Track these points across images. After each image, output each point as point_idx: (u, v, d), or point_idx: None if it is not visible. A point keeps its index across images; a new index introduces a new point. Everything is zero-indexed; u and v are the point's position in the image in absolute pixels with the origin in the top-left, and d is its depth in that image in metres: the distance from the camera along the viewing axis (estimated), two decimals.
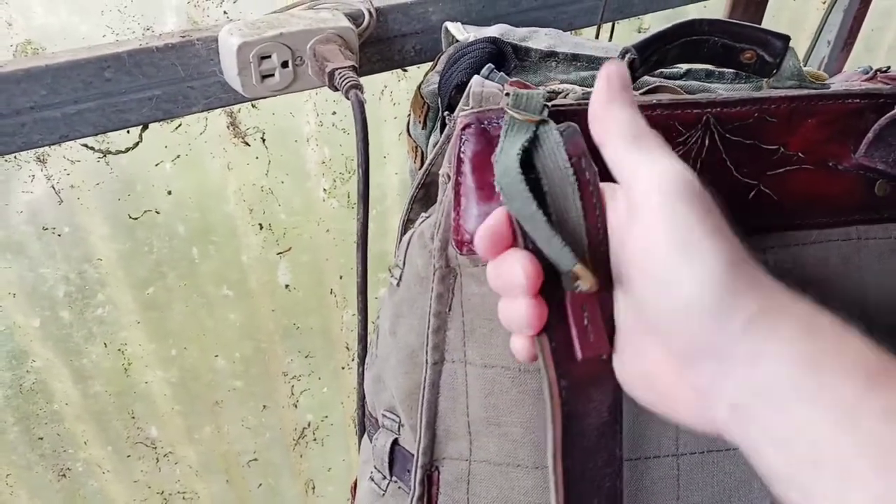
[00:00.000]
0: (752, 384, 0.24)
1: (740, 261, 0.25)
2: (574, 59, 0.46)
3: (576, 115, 0.34)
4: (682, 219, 0.25)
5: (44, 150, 0.62)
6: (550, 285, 0.29)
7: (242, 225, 0.75)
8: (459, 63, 0.45)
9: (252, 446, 0.95)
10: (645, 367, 0.28)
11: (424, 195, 0.46)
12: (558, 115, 0.33)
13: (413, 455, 0.40)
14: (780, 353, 0.24)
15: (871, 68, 0.42)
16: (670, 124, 0.35)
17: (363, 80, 0.47)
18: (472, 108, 0.37)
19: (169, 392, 0.84)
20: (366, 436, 0.51)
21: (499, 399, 0.38)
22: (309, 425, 0.98)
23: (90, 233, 0.68)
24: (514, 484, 0.38)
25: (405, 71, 0.73)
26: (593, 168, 0.30)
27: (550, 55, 0.46)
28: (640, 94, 0.40)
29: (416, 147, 0.52)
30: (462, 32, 0.52)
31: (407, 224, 0.47)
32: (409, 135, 0.52)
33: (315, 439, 1.00)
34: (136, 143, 0.64)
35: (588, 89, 0.38)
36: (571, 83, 0.44)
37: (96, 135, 0.48)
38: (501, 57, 0.45)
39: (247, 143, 0.70)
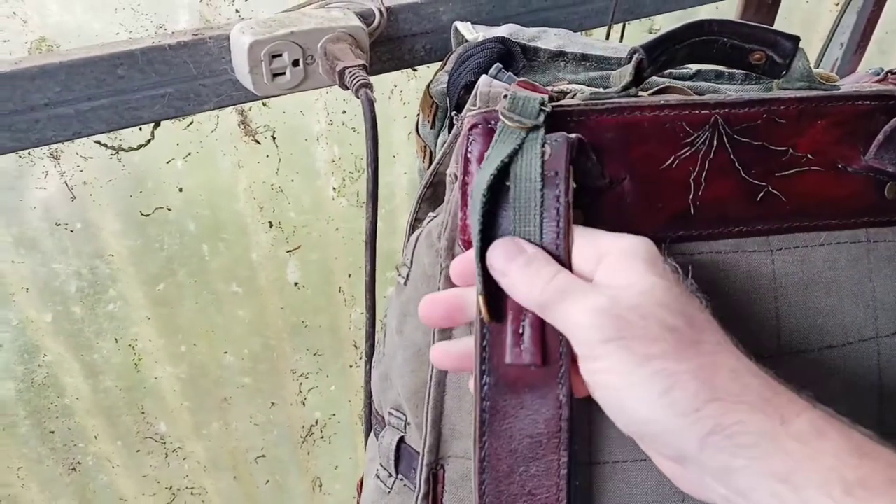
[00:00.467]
0: (733, 489, 0.25)
1: (692, 375, 0.26)
2: (583, 59, 0.46)
3: (581, 116, 0.34)
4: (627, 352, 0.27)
5: (57, 146, 0.62)
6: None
7: (252, 223, 0.76)
8: (468, 63, 0.45)
9: (260, 443, 0.95)
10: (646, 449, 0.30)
11: (432, 194, 0.46)
12: (563, 115, 0.33)
13: (419, 453, 0.40)
14: (748, 468, 0.24)
15: (883, 70, 0.42)
16: (678, 125, 0.35)
17: (373, 79, 0.47)
18: (479, 107, 0.37)
19: (178, 388, 0.85)
20: (372, 434, 0.51)
21: None
22: (317, 423, 0.98)
23: (102, 229, 0.69)
24: None
25: (415, 70, 0.73)
26: (569, 186, 0.30)
27: (559, 55, 0.46)
28: (649, 94, 0.40)
29: (425, 146, 0.52)
30: (472, 32, 0.52)
31: (415, 223, 0.47)
32: (418, 134, 0.52)
33: (323, 437, 1.00)
34: (148, 141, 0.64)
35: (596, 89, 0.38)
36: (580, 83, 0.44)
37: (109, 132, 0.48)
38: (510, 57, 0.45)
39: (257, 142, 0.70)
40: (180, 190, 0.70)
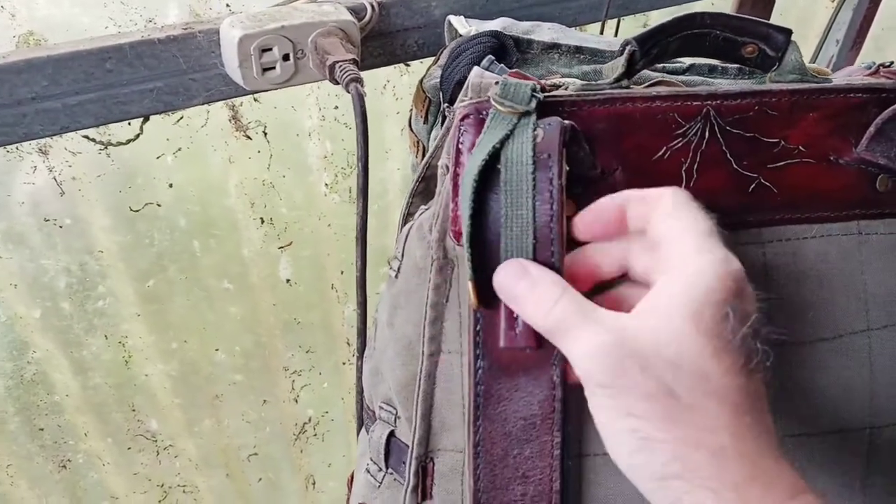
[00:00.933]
0: None
1: (669, 447, 0.26)
2: (577, 52, 0.46)
3: (573, 106, 0.34)
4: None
5: (46, 141, 0.62)
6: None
7: (244, 219, 0.76)
8: (461, 58, 0.45)
9: (252, 441, 0.95)
10: None
11: (425, 188, 0.46)
12: (555, 105, 0.33)
13: (408, 447, 0.40)
14: None
15: (875, 63, 0.42)
16: (670, 116, 0.35)
17: (365, 74, 0.47)
18: (470, 98, 0.37)
19: (169, 385, 0.84)
20: (363, 429, 0.51)
21: None
22: (309, 420, 0.98)
23: (91, 224, 0.68)
24: None
25: (408, 66, 0.73)
26: (561, 168, 0.30)
27: (553, 47, 0.46)
28: (643, 88, 0.40)
29: (418, 142, 0.52)
30: (464, 26, 0.52)
31: (407, 218, 0.47)
32: (411, 129, 0.52)
33: (316, 434, 1.00)
34: (137, 135, 0.64)
35: (587, 82, 0.37)
36: (574, 77, 0.44)
37: (97, 126, 0.48)
38: (503, 50, 0.45)
39: (248, 137, 0.70)
40: (170, 185, 0.70)
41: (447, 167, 0.38)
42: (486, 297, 0.30)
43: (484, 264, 0.30)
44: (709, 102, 0.35)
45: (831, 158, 0.37)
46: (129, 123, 0.64)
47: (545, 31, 0.49)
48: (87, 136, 0.63)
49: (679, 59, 0.45)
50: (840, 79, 0.41)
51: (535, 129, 0.31)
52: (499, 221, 0.30)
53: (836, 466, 0.39)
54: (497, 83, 0.33)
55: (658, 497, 0.26)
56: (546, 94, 0.34)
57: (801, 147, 0.37)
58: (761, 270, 0.37)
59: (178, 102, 0.49)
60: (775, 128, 0.36)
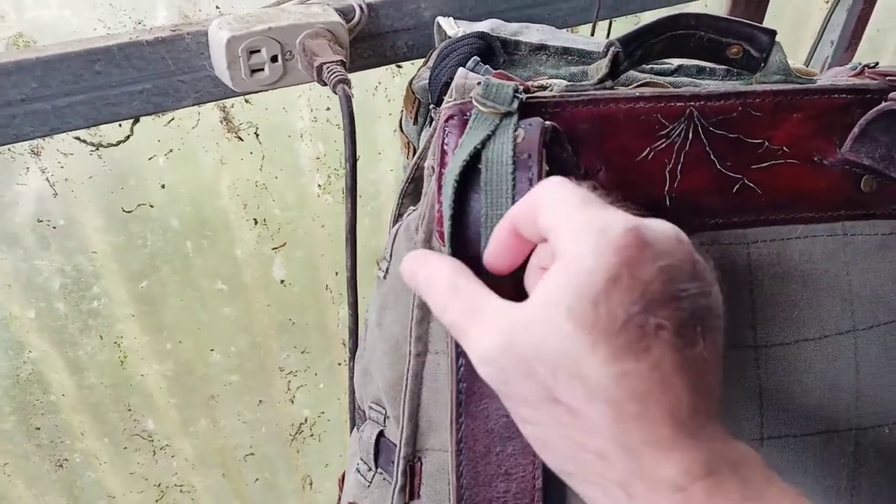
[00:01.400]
0: None
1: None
2: (565, 53, 0.46)
3: (556, 107, 0.34)
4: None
5: (38, 142, 0.62)
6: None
7: (236, 220, 0.76)
8: (449, 59, 0.45)
9: (248, 441, 0.95)
10: None
11: (414, 189, 0.46)
12: (538, 106, 0.33)
13: (397, 446, 0.40)
14: None
15: (860, 64, 0.42)
16: (653, 117, 0.35)
17: (357, 75, 0.47)
18: (455, 99, 0.37)
19: (164, 385, 0.84)
20: (355, 428, 0.51)
21: None
22: (306, 421, 0.98)
23: (84, 225, 0.69)
24: None
25: (399, 67, 0.73)
26: (542, 169, 0.30)
27: (540, 49, 0.46)
28: (629, 89, 0.40)
29: (409, 143, 0.52)
30: (453, 28, 0.52)
31: (397, 219, 0.47)
32: (402, 131, 0.52)
33: (312, 435, 1.00)
34: (128, 137, 0.64)
35: (571, 83, 0.38)
36: (561, 78, 0.44)
37: (87, 127, 0.48)
38: (490, 51, 0.45)
39: (240, 138, 0.70)
40: (162, 187, 0.70)
41: (433, 168, 0.38)
42: None
43: (465, 264, 0.30)
44: (692, 103, 0.35)
45: (815, 159, 0.37)
46: (120, 125, 0.64)
47: (533, 33, 0.49)
48: (78, 138, 0.63)
49: (667, 61, 0.45)
50: (825, 80, 0.41)
51: (515, 130, 0.31)
52: (479, 221, 0.31)
53: (821, 468, 0.39)
54: (479, 83, 0.34)
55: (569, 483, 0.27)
56: (529, 94, 0.34)
57: (785, 148, 0.37)
58: (745, 270, 0.37)
59: (168, 104, 0.49)
60: (759, 128, 0.36)
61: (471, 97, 0.34)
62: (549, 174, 0.31)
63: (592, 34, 0.65)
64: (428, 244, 0.38)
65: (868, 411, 0.40)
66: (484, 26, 0.49)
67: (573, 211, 0.25)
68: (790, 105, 0.36)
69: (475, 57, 0.42)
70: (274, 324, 0.86)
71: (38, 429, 0.80)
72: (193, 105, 0.49)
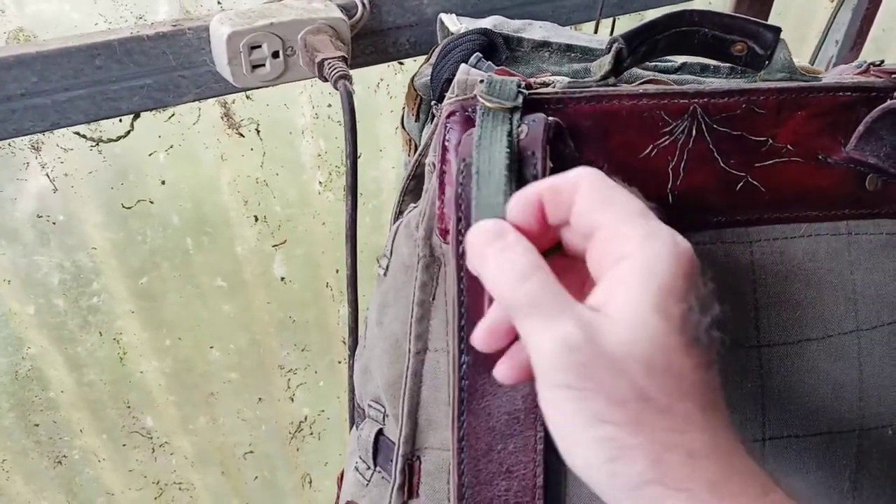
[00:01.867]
0: None
1: (643, 452, 0.24)
2: (568, 50, 0.46)
3: (559, 104, 0.34)
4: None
5: (38, 137, 0.62)
6: None
7: (237, 216, 0.75)
8: (451, 55, 0.45)
9: (248, 439, 0.95)
10: None
11: (415, 186, 0.46)
12: (541, 103, 0.33)
13: (395, 444, 0.40)
14: None
15: (865, 62, 0.42)
16: (656, 114, 0.35)
17: (358, 72, 0.47)
18: (456, 95, 0.37)
19: (164, 382, 0.84)
20: (354, 427, 0.51)
21: None
22: (305, 419, 0.98)
23: (84, 221, 0.68)
24: None
25: (401, 64, 0.72)
26: (545, 165, 0.30)
27: (543, 45, 0.45)
28: (633, 87, 0.40)
29: (410, 140, 0.52)
30: (456, 24, 0.52)
31: (398, 216, 0.47)
32: (404, 128, 0.52)
33: (312, 433, 1.00)
34: (128, 132, 0.64)
35: (573, 79, 0.37)
36: (564, 75, 0.44)
37: (87, 123, 0.48)
38: (493, 48, 0.44)
39: (241, 135, 0.70)
40: (163, 183, 0.69)
41: (434, 164, 0.38)
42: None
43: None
44: (696, 100, 0.35)
45: (820, 157, 0.37)
46: (120, 120, 0.64)
47: (536, 30, 0.49)
48: (78, 133, 0.63)
49: (671, 58, 0.45)
50: (830, 78, 0.41)
51: (519, 126, 0.31)
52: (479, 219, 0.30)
53: (823, 469, 0.39)
54: (482, 80, 0.33)
55: None
56: (531, 91, 0.34)
57: (789, 146, 0.37)
58: (748, 269, 0.37)
59: (168, 99, 0.48)
60: (763, 126, 0.36)
61: (474, 94, 0.33)
62: (552, 171, 0.31)
63: (596, 31, 0.65)
64: (428, 241, 0.38)
65: (871, 412, 0.40)
66: (487, 23, 0.49)
67: (638, 215, 0.26)
68: (794, 103, 0.36)
69: (477, 53, 0.42)
70: (274, 321, 0.86)
71: (37, 425, 0.80)
72: (194, 101, 0.49)
